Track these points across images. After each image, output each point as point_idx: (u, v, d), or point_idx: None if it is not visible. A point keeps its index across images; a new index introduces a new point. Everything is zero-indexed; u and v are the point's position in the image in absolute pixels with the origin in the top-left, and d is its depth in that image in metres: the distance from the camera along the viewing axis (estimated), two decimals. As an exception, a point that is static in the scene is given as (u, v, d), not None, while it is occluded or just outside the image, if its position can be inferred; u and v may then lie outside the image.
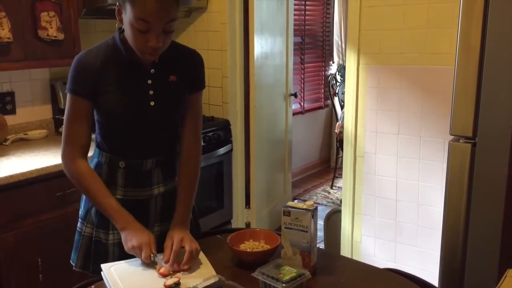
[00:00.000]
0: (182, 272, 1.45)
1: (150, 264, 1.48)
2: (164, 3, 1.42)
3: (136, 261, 1.50)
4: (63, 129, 1.60)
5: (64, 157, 1.61)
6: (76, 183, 1.60)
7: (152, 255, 1.48)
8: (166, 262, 1.46)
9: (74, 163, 1.58)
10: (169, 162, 1.70)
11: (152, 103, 1.59)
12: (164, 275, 1.43)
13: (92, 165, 1.67)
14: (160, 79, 1.60)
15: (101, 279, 1.45)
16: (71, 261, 1.72)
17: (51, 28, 2.62)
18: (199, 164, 1.74)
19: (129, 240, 1.50)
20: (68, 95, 1.57)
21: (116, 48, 1.57)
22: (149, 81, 1.59)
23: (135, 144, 1.63)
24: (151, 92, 1.59)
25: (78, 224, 1.71)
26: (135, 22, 1.42)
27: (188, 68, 1.67)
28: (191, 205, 1.69)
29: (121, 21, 1.50)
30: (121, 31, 1.57)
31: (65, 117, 1.59)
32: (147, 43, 1.46)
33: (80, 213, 1.73)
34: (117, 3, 1.49)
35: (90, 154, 1.72)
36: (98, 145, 1.68)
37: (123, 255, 1.54)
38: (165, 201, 1.69)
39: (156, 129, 1.63)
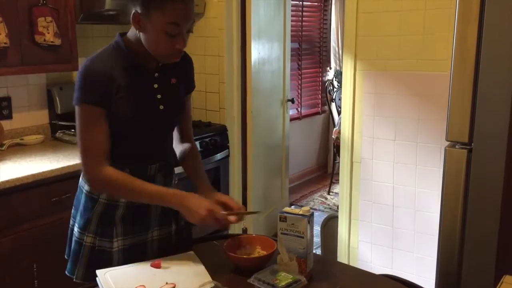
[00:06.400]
0: (177, 274, 1.46)
1: (144, 268, 1.48)
2: (190, 4, 1.47)
3: (131, 267, 1.50)
4: (79, 144, 1.52)
5: (87, 172, 1.53)
6: (111, 189, 1.54)
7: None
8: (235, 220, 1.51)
9: (101, 172, 1.51)
10: (169, 166, 1.72)
11: (161, 107, 1.61)
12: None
13: None
14: (164, 83, 1.63)
15: (97, 284, 1.44)
16: (67, 273, 1.67)
17: (48, 33, 2.62)
18: (199, 153, 1.81)
19: (195, 212, 1.47)
20: (79, 107, 1.50)
21: (122, 52, 1.55)
22: (155, 85, 1.60)
23: (143, 149, 1.63)
24: (159, 96, 1.61)
25: (77, 234, 1.66)
26: (167, 27, 1.45)
27: (184, 71, 1.71)
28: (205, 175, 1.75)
29: (138, 28, 1.49)
30: (123, 35, 1.57)
31: (78, 130, 1.51)
32: (175, 46, 1.49)
33: (77, 223, 1.67)
34: (134, 11, 1.47)
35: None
36: None
37: (127, 261, 1.54)
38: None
39: (164, 132, 1.68)
